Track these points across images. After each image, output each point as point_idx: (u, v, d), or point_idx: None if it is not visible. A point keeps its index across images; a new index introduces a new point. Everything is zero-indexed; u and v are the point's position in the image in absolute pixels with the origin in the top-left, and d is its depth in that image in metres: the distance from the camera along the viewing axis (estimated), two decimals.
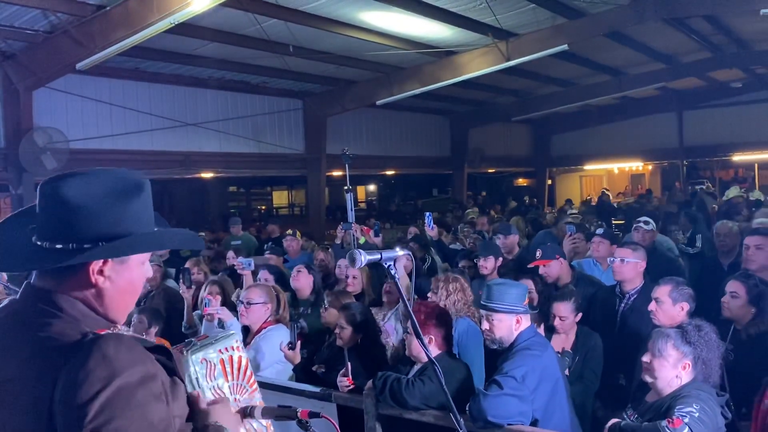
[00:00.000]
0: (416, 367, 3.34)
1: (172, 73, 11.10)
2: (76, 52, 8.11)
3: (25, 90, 8.95)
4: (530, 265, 4.98)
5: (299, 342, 3.80)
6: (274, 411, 1.63)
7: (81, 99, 9.97)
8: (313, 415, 1.61)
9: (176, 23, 7.23)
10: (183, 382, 1.47)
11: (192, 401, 1.49)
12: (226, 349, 1.69)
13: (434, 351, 3.26)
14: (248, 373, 1.72)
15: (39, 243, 1.38)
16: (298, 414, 1.60)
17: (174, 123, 11.18)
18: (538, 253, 4.96)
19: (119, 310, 1.46)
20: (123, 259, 1.43)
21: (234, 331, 1.88)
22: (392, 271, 2.04)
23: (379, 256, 2.01)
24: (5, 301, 1.47)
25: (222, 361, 1.66)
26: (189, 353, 1.61)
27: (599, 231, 5.84)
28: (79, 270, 1.38)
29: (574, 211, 9.20)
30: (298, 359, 3.78)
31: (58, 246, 1.36)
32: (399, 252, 2.07)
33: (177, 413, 1.38)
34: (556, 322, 3.92)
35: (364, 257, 1.96)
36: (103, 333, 1.31)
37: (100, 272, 1.40)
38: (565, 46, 10.02)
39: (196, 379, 1.60)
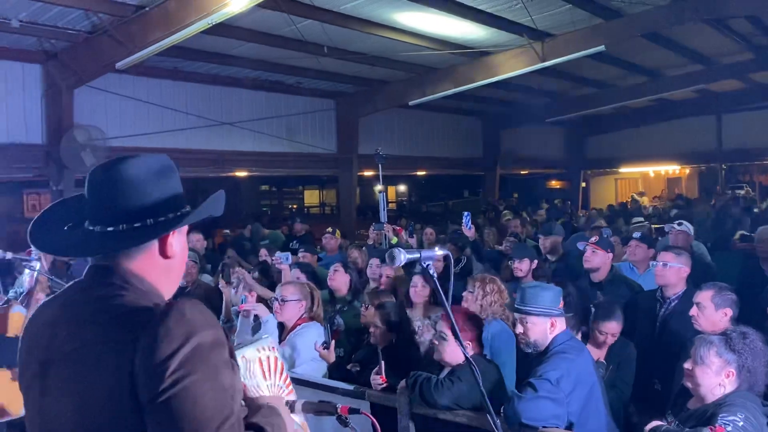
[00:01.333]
0: (445, 371, 3.33)
1: (209, 73, 11.27)
2: (116, 52, 8.28)
3: (66, 89, 9.17)
4: (580, 244, 4.96)
5: (334, 340, 3.82)
6: (314, 406, 1.63)
7: (120, 98, 10.18)
8: (353, 411, 1.61)
9: (214, 23, 7.32)
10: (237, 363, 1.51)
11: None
12: (264, 348, 1.72)
13: (468, 353, 3.24)
14: (284, 374, 1.74)
15: (110, 229, 1.41)
16: (338, 409, 1.60)
17: (209, 122, 11.34)
18: (595, 238, 4.93)
19: (177, 281, 1.54)
20: (181, 228, 1.51)
21: (268, 335, 1.90)
22: (430, 271, 2.03)
23: (418, 255, 2.01)
24: (65, 286, 1.51)
25: (260, 360, 1.68)
26: None
27: (636, 234, 5.74)
28: (149, 245, 1.44)
29: (640, 219, 8.91)
30: (332, 358, 3.80)
31: (137, 225, 1.41)
32: (438, 251, 2.06)
33: (238, 387, 1.42)
34: (608, 340, 3.82)
35: (403, 256, 1.96)
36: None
37: (170, 243, 1.48)
38: (601, 47, 9.85)
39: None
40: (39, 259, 4.03)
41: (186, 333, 1.26)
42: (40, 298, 3.88)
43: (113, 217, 1.42)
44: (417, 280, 4.66)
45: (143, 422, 1.24)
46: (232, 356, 1.44)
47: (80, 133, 9.08)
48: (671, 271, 4.23)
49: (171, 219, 1.45)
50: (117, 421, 1.26)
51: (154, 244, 1.45)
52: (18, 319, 3.56)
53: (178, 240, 1.50)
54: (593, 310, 3.87)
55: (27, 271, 5.36)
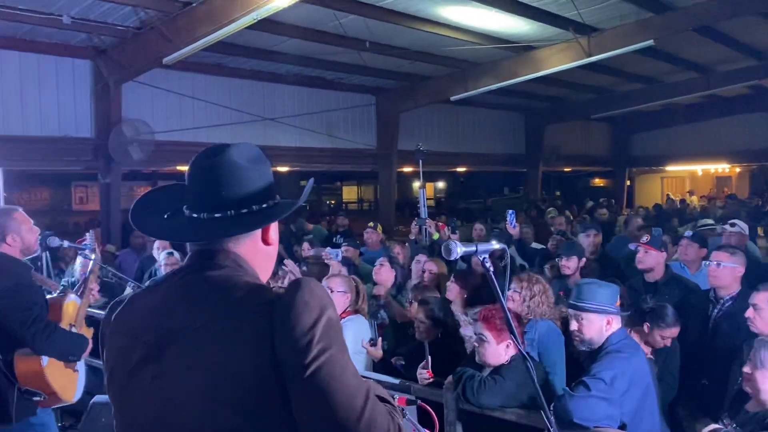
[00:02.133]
0: (487, 370, 3.27)
1: (252, 69, 11.39)
2: (163, 48, 8.42)
3: (114, 84, 9.37)
4: (631, 245, 4.85)
5: (381, 337, 3.81)
6: None
7: (166, 93, 10.35)
8: (410, 402, 1.59)
9: (259, 19, 7.37)
10: None
11: None
12: None
13: (510, 354, 3.20)
14: None
15: (218, 215, 1.42)
16: (395, 401, 1.58)
17: (252, 117, 11.46)
18: (646, 237, 4.80)
19: (270, 270, 1.56)
20: None
21: None
22: (487, 264, 1.99)
23: (474, 248, 1.97)
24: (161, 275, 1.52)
25: None
26: None
27: (687, 233, 5.56)
28: (254, 231, 1.47)
29: (709, 220, 8.54)
30: (380, 354, 3.79)
31: (244, 211, 1.43)
32: (495, 245, 2.02)
33: None
34: (667, 343, 3.74)
35: (460, 249, 1.93)
36: None
37: (272, 230, 1.51)
38: (650, 42, 9.61)
39: None
40: (94, 249, 4.11)
41: (320, 306, 1.29)
42: (94, 287, 3.97)
43: (221, 203, 1.43)
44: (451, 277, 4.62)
45: (285, 393, 1.24)
46: None
47: (128, 128, 9.27)
48: (725, 271, 4.10)
49: (275, 206, 1.48)
50: (257, 393, 1.26)
51: (258, 231, 1.47)
52: (73, 309, 3.64)
53: (275, 228, 1.52)
54: (647, 311, 3.78)
55: (79, 260, 5.50)
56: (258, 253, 1.48)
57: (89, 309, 3.93)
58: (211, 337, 1.29)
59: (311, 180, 1.62)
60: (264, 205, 1.45)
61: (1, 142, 7.47)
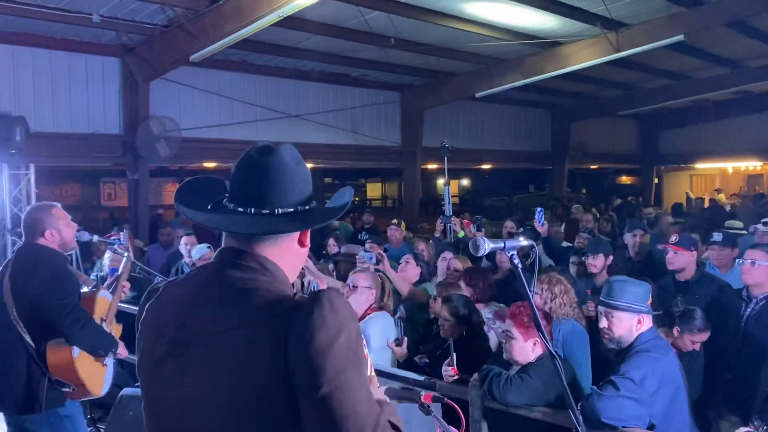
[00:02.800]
0: (515, 368, 3.25)
1: (277, 66, 11.46)
2: (190, 45, 8.51)
3: (142, 81, 9.51)
4: (660, 246, 4.74)
5: (406, 337, 3.80)
6: (397, 393, 1.61)
7: (192, 90, 10.47)
8: (437, 399, 1.58)
9: (284, 16, 7.41)
10: None
11: None
12: None
13: (537, 352, 3.17)
14: (373, 373, 1.73)
15: (265, 211, 1.43)
16: (421, 397, 1.58)
17: (278, 114, 11.53)
18: (674, 238, 4.67)
19: (298, 272, 1.56)
20: None
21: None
22: (515, 261, 1.97)
23: (502, 245, 1.95)
24: (189, 272, 1.53)
25: None
26: None
27: (717, 237, 5.37)
28: (295, 232, 1.48)
29: (738, 223, 8.24)
30: (405, 353, 3.79)
31: (291, 210, 1.44)
32: (523, 241, 2.00)
33: None
34: (696, 347, 3.70)
35: (487, 245, 1.91)
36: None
37: (308, 233, 1.51)
38: (680, 37, 9.44)
39: None
40: (127, 248, 4.16)
41: (339, 323, 1.27)
42: (126, 285, 4.02)
43: (271, 201, 1.43)
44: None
45: (296, 407, 1.25)
46: None
47: (155, 124, 9.39)
48: (760, 270, 4.02)
49: (317, 209, 1.48)
50: (268, 403, 1.26)
51: (297, 232, 1.48)
52: (103, 304, 3.69)
53: (308, 231, 1.52)
54: (677, 315, 3.72)
55: (107, 254, 5.58)
56: (292, 254, 1.48)
57: (119, 304, 3.99)
58: (228, 344, 1.30)
59: (350, 188, 1.61)
60: (308, 207, 1.47)
61: (33, 139, 7.60)
